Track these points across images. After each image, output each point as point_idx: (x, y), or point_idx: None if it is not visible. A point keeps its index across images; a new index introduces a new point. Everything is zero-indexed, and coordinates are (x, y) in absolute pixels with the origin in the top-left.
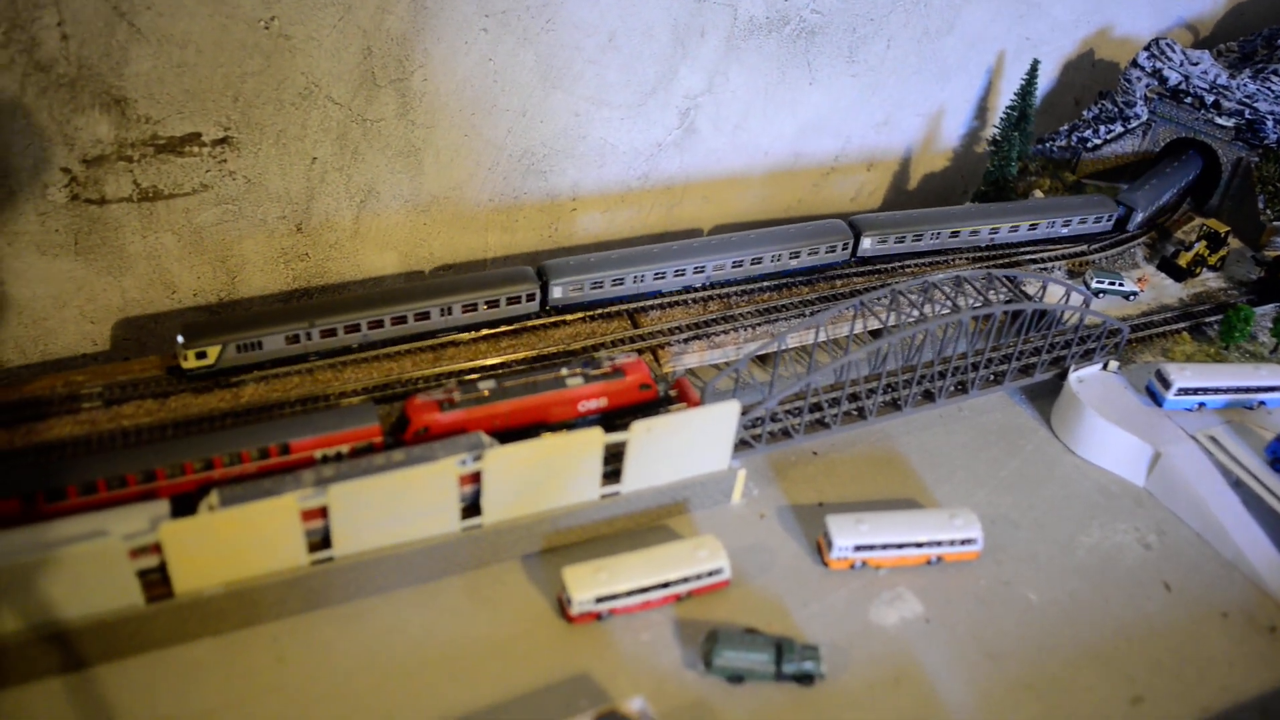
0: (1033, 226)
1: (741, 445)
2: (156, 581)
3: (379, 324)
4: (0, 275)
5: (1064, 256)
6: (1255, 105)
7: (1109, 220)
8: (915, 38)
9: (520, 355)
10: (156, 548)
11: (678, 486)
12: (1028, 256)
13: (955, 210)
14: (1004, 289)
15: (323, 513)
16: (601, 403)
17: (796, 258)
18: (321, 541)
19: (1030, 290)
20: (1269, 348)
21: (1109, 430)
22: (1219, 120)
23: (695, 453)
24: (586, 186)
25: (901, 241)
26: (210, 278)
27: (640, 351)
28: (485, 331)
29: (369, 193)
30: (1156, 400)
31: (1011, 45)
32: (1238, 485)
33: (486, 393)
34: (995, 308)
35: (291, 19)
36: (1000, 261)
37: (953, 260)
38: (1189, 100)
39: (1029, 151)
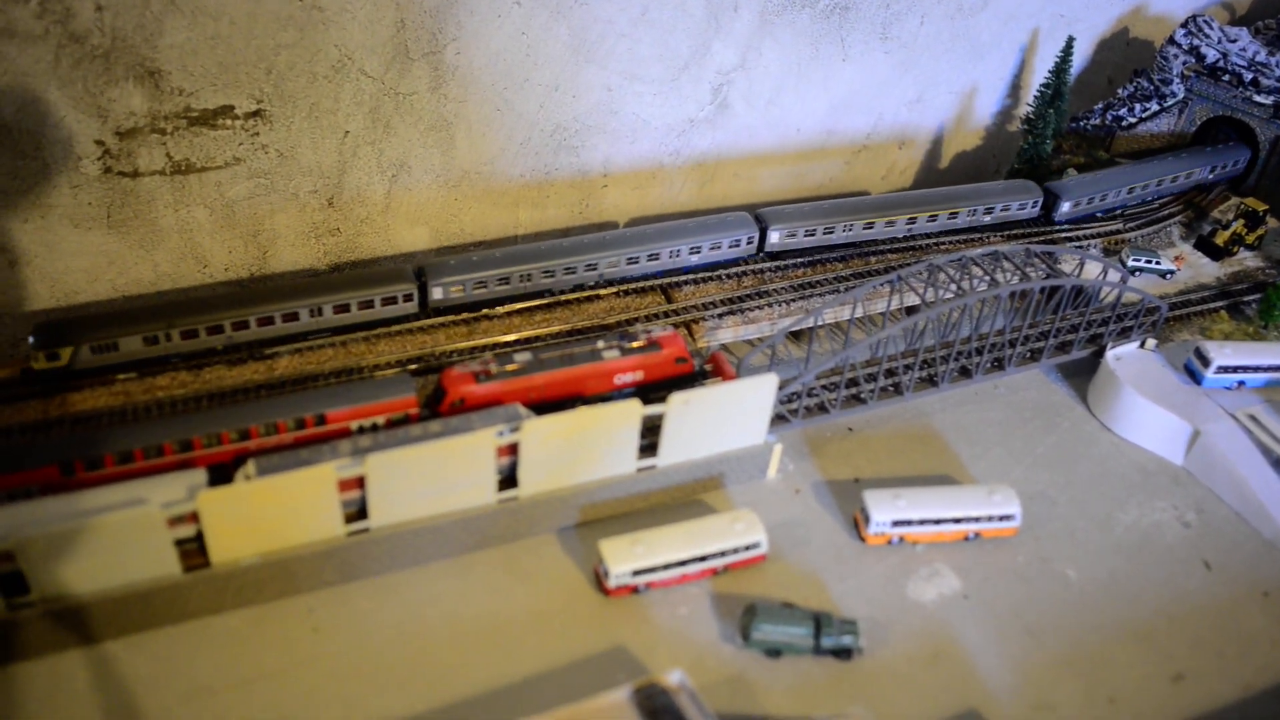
0: (952, 215)
1: (777, 420)
2: (193, 551)
3: (243, 325)
4: (33, 249)
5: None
6: None
7: (1034, 207)
8: (949, 14)
9: (554, 329)
10: (193, 517)
11: (713, 460)
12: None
13: (870, 200)
14: (1041, 265)
15: (359, 483)
16: (637, 376)
17: (697, 253)
18: (358, 513)
19: (1066, 268)
20: None
21: (1147, 408)
22: (1257, 98)
23: (732, 426)
24: (618, 163)
25: (812, 234)
26: (241, 252)
27: (674, 326)
28: (518, 305)
29: (401, 167)
30: (1195, 378)
31: (1045, 22)
32: (1278, 464)
33: (522, 365)
34: (1034, 283)
35: None
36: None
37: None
38: (1227, 78)
39: (1063, 129)
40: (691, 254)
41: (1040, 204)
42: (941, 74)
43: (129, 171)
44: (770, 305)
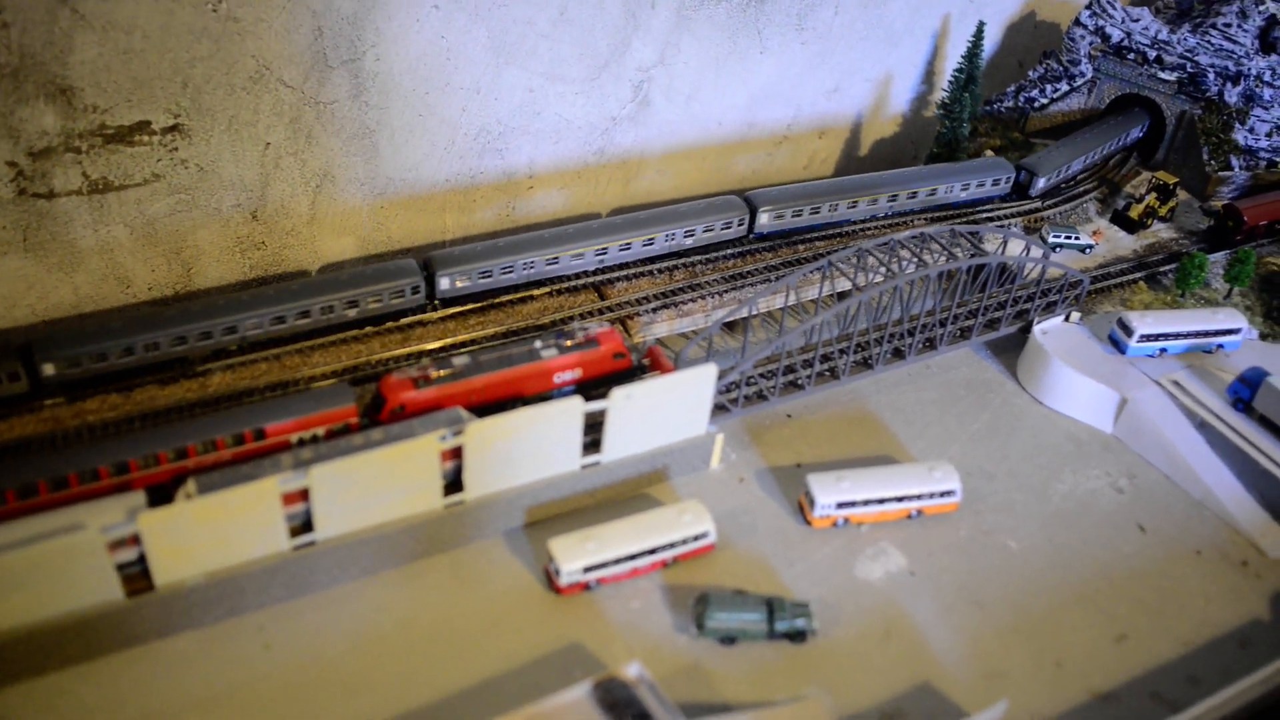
0: (648, 242)
1: (717, 410)
2: (136, 575)
3: None
4: None
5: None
6: (1196, 59)
7: (741, 225)
8: (862, 3)
9: (489, 332)
10: (134, 540)
11: (657, 454)
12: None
13: (550, 234)
14: (967, 245)
15: (303, 496)
16: (577, 373)
17: (355, 307)
18: (303, 526)
19: (989, 247)
20: (1222, 293)
21: (1075, 379)
22: (1161, 74)
23: (674, 418)
24: (543, 163)
25: (488, 276)
26: (165, 270)
27: (610, 323)
28: (454, 310)
29: (324, 177)
30: (1119, 348)
31: (955, 8)
32: (1202, 427)
33: (461, 368)
34: (962, 262)
35: (240, 0)
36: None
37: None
38: (1132, 56)
39: (978, 113)
40: (349, 308)
41: (744, 221)
42: (857, 63)
43: (44, 193)
44: (703, 297)
